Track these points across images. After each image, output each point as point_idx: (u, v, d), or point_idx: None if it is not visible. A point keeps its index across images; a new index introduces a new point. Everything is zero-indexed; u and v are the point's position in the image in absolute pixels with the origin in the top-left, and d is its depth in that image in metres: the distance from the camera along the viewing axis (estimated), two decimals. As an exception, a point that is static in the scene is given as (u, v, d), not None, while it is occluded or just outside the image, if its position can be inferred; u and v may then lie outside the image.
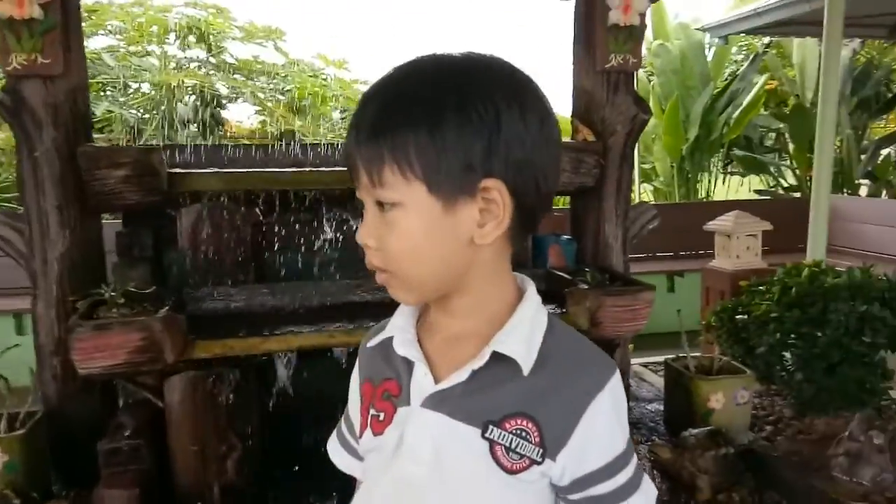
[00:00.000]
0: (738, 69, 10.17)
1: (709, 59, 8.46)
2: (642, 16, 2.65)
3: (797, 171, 8.80)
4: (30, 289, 2.27)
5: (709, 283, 3.68)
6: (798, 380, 2.55)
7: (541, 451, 0.72)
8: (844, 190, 7.98)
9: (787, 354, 2.64)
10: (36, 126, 2.18)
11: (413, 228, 0.72)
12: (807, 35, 8.03)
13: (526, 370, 0.73)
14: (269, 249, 2.41)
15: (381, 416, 0.80)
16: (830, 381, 2.50)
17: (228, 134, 9.40)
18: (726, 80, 9.04)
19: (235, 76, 8.75)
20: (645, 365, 3.37)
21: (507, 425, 0.72)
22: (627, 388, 2.78)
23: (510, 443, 0.72)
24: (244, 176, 2.25)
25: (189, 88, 8.71)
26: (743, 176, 10.35)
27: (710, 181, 8.98)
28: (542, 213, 0.79)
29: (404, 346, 0.79)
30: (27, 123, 2.17)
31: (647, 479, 0.79)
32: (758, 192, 9.50)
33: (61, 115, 2.21)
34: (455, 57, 0.74)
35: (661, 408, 2.75)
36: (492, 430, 0.73)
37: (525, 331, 0.75)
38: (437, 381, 0.76)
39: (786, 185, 9.23)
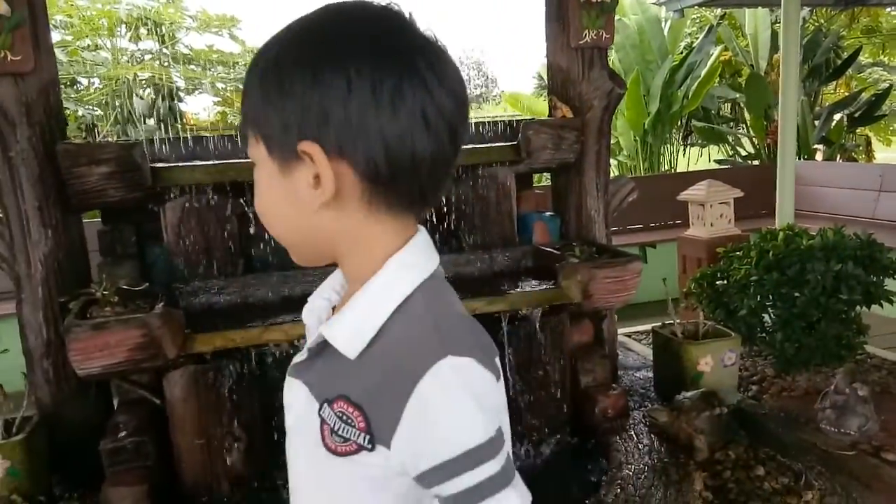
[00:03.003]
0: (692, 42, 10.33)
1: (665, 32, 8.57)
2: (612, -10, 2.69)
3: (754, 140, 9.01)
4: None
5: (685, 251, 3.76)
6: (779, 339, 2.64)
7: (368, 437, 0.68)
8: (802, 155, 8.21)
9: (767, 316, 2.74)
10: (9, 125, 2.12)
11: (262, 189, 0.73)
12: (759, 5, 8.22)
13: (351, 355, 0.70)
14: (254, 240, 2.39)
15: None
16: (810, 338, 2.59)
17: (186, 127, 9.21)
18: (681, 52, 9.18)
19: (191, 67, 8.56)
20: (628, 335, 3.45)
21: (335, 406, 0.70)
22: (614, 357, 2.84)
23: (334, 424, 0.70)
24: (229, 167, 2.22)
25: (144, 82, 8.51)
26: (702, 146, 10.55)
27: (672, 153, 9.14)
28: (427, 186, 0.71)
29: (310, 312, 0.80)
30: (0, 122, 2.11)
31: (503, 496, 0.68)
32: (718, 161, 9.71)
33: (35, 113, 2.16)
34: (314, 11, 0.71)
35: (649, 374, 2.83)
36: (325, 407, 0.71)
37: (356, 313, 0.71)
38: None
39: (744, 153, 9.45)
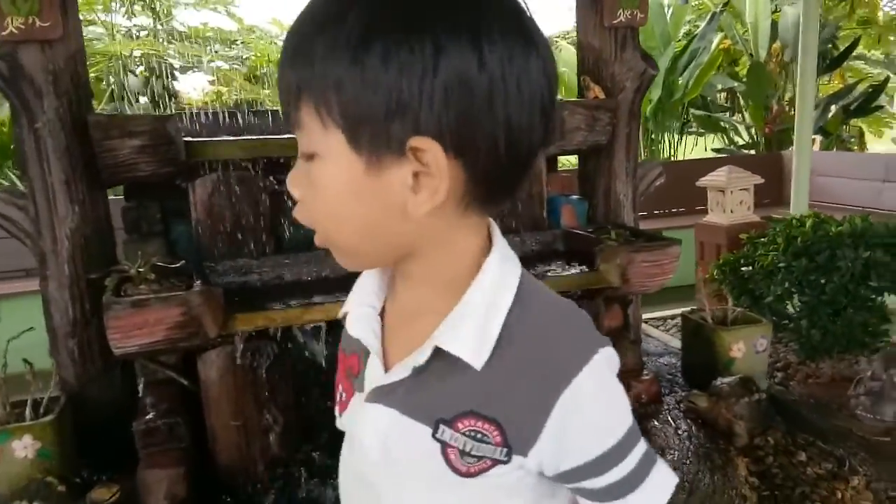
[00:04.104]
0: (691, 29, 10.32)
1: (668, 18, 8.55)
2: (646, -30, 2.65)
3: (751, 129, 9.04)
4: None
5: (703, 237, 3.76)
6: (805, 326, 2.64)
7: (505, 450, 0.61)
8: (798, 146, 8.23)
9: (790, 303, 2.74)
10: (36, 95, 2.05)
11: (332, 188, 0.58)
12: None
13: (478, 365, 0.60)
14: (286, 218, 2.34)
15: (343, 396, 0.73)
16: (836, 325, 2.59)
17: (180, 105, 9.07)
18: (680, 40, 9.17)
19: (187, 44, 8.41)
20: (645, 321, 3.44)
21: (461, 425, 0.61)
22: (639, 342, 2.82)
23: (464, 445, 0.61)
24: (265, 142, 2.17)
25: (138, 59, 8.35)
26: (699, 135, 10.58)
27: (671, 141, 9.15)
28: (522, 177, 0.62)
29: (359, 322, 0.68)
30: (26, 92, 2.04)
31: (655, 473, 0.66)
32: (715, 150, 9.73)
33: (62, 82, 2.08)
34: None
35: (673, 360, 2.82)
36: (443, 430, 0.62)
37: (476, 317, 0.61)
38: (388, 366, 0.66)
39: (741, 142, 9.48)
